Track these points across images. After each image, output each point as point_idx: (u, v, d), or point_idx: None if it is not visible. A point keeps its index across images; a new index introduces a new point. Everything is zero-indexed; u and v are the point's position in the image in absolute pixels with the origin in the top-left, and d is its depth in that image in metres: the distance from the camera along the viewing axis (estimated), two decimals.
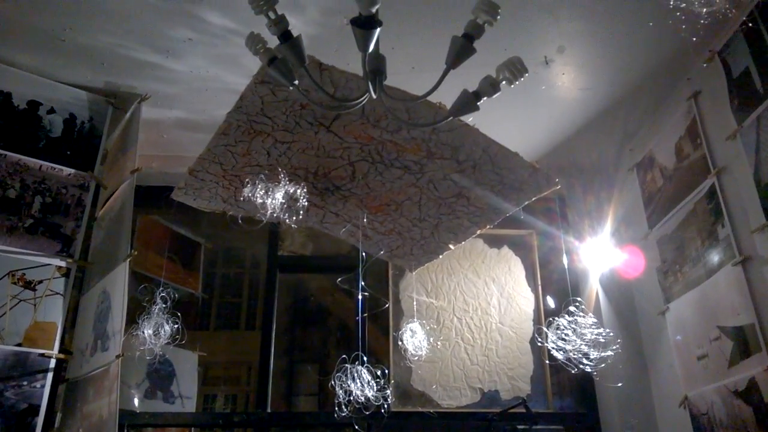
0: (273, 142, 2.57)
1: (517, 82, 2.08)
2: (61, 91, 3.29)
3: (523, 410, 3.45)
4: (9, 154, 3.12)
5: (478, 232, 3.44)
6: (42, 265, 3.05)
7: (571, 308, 2.95)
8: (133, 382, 4.07)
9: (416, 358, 3.22)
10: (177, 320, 3.16)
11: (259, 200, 2.57)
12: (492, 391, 3.95)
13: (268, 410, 3.92)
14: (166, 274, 4.51)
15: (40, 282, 3.03)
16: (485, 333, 4.05)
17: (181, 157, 4.08)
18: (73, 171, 3.25)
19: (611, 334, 2.90)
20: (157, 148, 3.96)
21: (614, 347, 2.88)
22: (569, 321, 2.93)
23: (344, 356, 2.77)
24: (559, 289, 4.17)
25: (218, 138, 2.49)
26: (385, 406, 2.88)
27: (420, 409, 3.83)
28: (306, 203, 2.70)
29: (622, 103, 3.58)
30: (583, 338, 2.88)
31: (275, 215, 2.68)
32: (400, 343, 3.15)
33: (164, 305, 3.16)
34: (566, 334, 2.91)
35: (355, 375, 2.62)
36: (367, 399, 2.81)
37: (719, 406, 2.98)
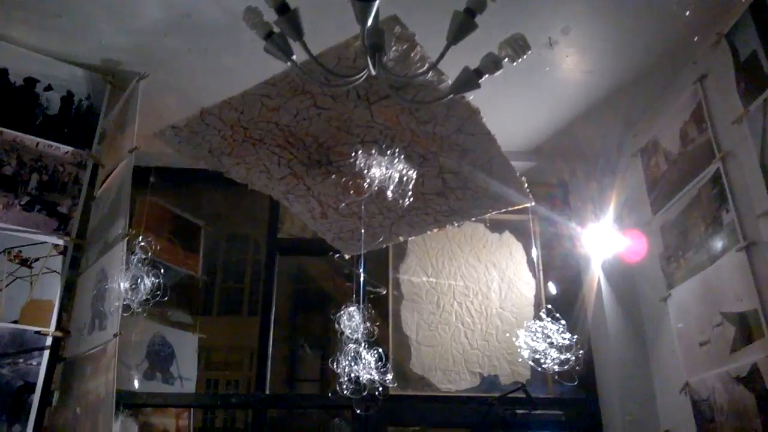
0: (309, 105, 2.49)
1: (519, 60, 2.04)
2: (58, 69, 3.25)
3: (523, 395, 3.44)
4: (5, 130, 3.09)
5: (435, 230, 3.51)
6: (38, 243, 3.03)
7: (542, 314, 3.16)
8: (132, 363, 4.07)
9: (352, 342, 3.19)
10: (159, 274, 2.93)
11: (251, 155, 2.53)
12: (491, 376, 3.94)
13: (267, 392, 3.91)
14: (165, 256, 4.51)
15: (37, 260, 3.01)
16: (485, 317, 4.03)
17: None
18: (70, 149, 3.22)
19: (576, 338, 3.09)
20: (156, 128, 3.91)
21: (579, 352, 3.04)
22: (540, 326, 3.12)
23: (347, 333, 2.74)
24: (560, 275, 4.15)
25: (263, 86, 2.38)
26: (381, 389, 2.85)
27: (419, 393, 3.83)
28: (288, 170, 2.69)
29: (626, 87, 3.52)
30: (550, 342, 3.08)
31: (242, 174, 2.66)
32: (337, 325, 3.14)
33: (144, 257, 2.94)
34: (536, 338, 3.09)
35: (357, 355, 2.60)
36: (370, 381, 2.79)
37: (720, 392, 2.95)
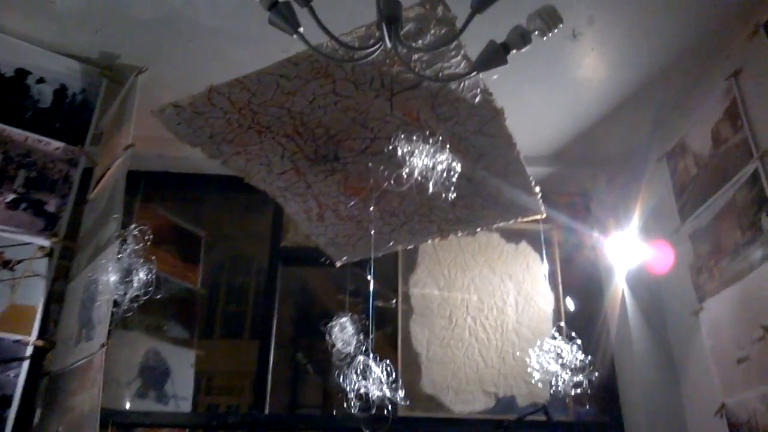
0: (328, 91, 2.29)
1: (550, 34, 1.87)
2: (51, 60, 3.07)
3: (543, 418, 3.17)
4: None
5: (429, 241, 3.32)
6: (22, 244, 2.80)
7: (554, 332, 2.95)
8: (123, 380, 3.82)
9: (344, 355, 2.94)
10: (152, 266, 2.56)
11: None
12: (508, 397, 3.66)
13: (266, 412, 3.64)
14: (163, 267, 4.30)
15: (20, 262, 2.78)
16: (501, 333, 3.78)
17: None
18: (61, 145, 3.02)
19: (590, 358, 2.85)
20: (155, 129, 3.71)
21: (593, 374, 2.80)
22: (554, 345, 2.91)
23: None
24: (581, 288, 3.90)
25: (283, 65, 2.17)
26: (391, 409, 2.61)
27: (429, 415, 3.55)
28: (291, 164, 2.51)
29: (652, 85, 3.31)
30: (562, 363, 2.86)
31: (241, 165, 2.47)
32: (328, 337, 2.93)
33: (136, 246, 2.57)
34: (549, 360, 2.87)
35: (367, 368, 2.36)
36: (379, 398, 2.55)
37: (763, 414, 2.69)
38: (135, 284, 2.51)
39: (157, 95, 3.25)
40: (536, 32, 1.85)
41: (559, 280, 3.89)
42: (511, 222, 3.13)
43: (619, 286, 3.75)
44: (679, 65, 3.16)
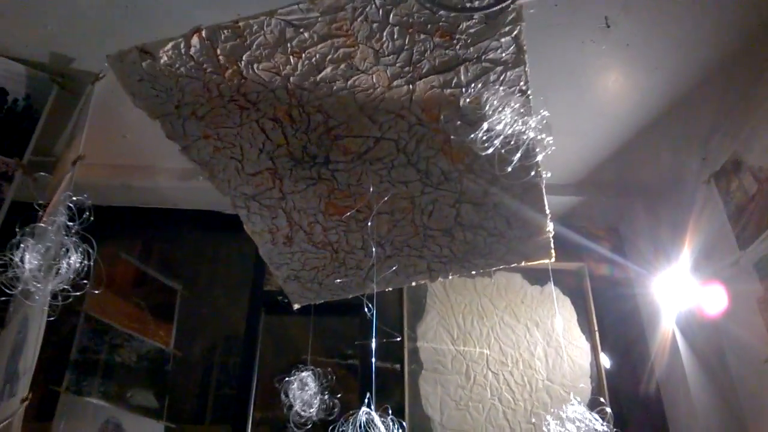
0: (344, 57, 1.78)
1: None
2: None
3: None
4: None
5: (413, 284, 2.80)
6: None
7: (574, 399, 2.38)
8: None
9: (304, 419, 2.60)
10: (91, 250, 1.88)
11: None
12: None
13: None
14: (130, 323, 3.72)
15: None
16: (530, 392, 3.13)
17: (151, 167, 3.36)
18: None
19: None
20: (119, 155, 3.22)
21: None
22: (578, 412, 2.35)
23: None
24: (621, 337, 3.30)
25: (302, 7, 1.68)
26: None
27: None
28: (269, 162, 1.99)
29: (696, 91, 2.85)
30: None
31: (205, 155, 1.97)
32: (284, 396, 2.59)
33: (71, 223, 1.90)
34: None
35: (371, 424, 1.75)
36: None
37: None
38: (63, 270, 1.84)
39: (116, 105, 2.79)
40: None
41: (595, 328, 3.28)
42: (513, 265, 2.67)
43: (668, 331, 3.14)
44: (726, 68, 2.70)
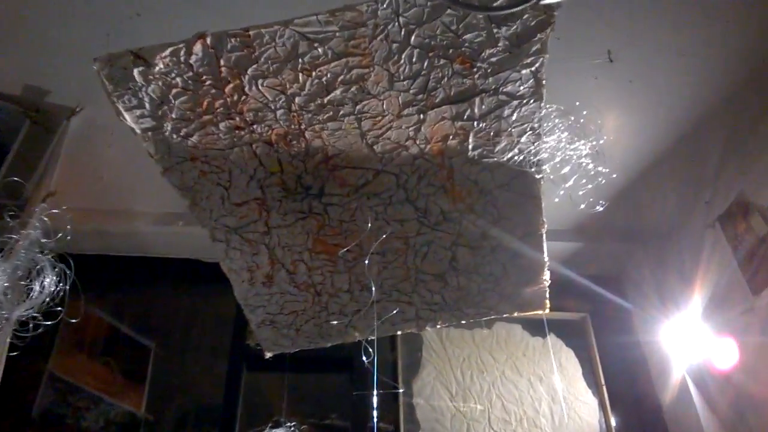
0: (356, 79, 1.63)
1: None
2: None
3: None
4: None
5: (399, 332, 2.67)
6: None
7: None
8: None
9: None
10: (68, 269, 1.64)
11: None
12: None
13: None
14: (99, 384, 3.45)
15: None
16: None
17: (127, 211, 3.16)
18: None
19: None
20: (93, 198, 3.01)
21: None
22: None
23: None
24: (629, 390, 3.10)
25: (321, 18, 1.54)
26: None
27: None
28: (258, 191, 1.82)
29: (698, 134, 2.80)
30: None
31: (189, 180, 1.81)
32: None
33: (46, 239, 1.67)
34: None
35: None
36: None
37: None
38: (34, 296, 1.60)
39: (92, 144, 2.62)
40: None
41: (602, 381, 3.08)
42: (504, 315, 2.61)
43: (679, 383, 2.96)
44: (733, 104, 2.65)
